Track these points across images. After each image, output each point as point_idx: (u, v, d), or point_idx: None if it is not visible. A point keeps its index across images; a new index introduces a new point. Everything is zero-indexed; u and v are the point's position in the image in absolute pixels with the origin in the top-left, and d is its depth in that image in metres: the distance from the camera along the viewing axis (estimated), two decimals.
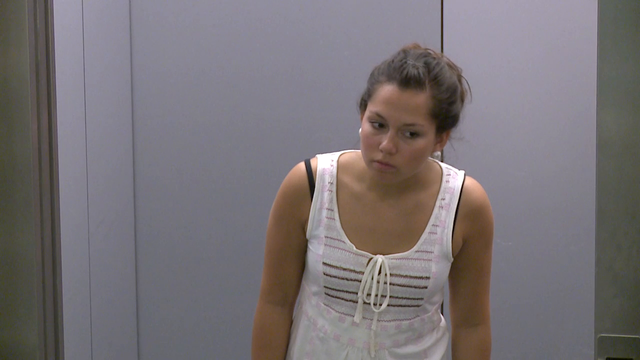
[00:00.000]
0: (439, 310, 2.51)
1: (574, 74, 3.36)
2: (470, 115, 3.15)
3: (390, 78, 2.27)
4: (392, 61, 2.32)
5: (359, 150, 2.39)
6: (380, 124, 2.27)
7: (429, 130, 2.25)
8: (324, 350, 2.44)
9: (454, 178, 2.40)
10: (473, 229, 2.38)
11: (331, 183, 2.39)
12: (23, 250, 1.64)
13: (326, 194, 2.38)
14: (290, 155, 2.54)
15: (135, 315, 3.91)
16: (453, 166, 2.48)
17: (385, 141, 2.26)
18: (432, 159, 2.46)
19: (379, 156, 2.27)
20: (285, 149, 2.78)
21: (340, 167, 2.42)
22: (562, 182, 3.42)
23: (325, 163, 2.43)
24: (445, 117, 2.27)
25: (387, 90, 2.27)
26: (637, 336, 1.62)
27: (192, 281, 3.90)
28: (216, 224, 3.83)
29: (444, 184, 2.38)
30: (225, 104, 3.77)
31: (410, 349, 2.46)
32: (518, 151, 3.52)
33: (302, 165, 2.44)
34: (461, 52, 3.47)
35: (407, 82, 2.26)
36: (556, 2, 3.39)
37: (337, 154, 2.47)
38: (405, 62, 2.28)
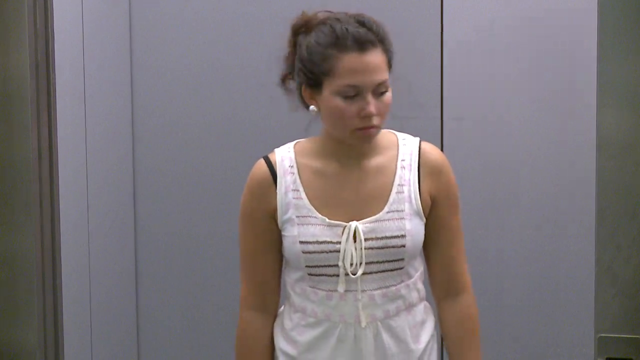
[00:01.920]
0: (422, 281, 2.52)
1: (574, 74, 3.36)
2: (470, 115, 3.17)
3: (343, 48, 2.31)
4: (330, 34, 2.37)
5: (311, 137, 2.44)
6: (353, 95, 2.32)
7: (388, 80, 2.31)
8: (317, 334, 2.45)
9: (410, 142, 2.44)
10: (439, 188, 2.42)
11: (291, 166, 2.42)
12: (23, 250, 1.65)
13: (289, 177, 2.42)
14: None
15: (135, 315, 3.91)
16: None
17: (367, 107, 2.28)
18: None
19: (362, 123, 2.31)
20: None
21: (297, 151, 2.46)
22: (562, 183, 3.42)
23: (283, 152, 2.47)
24: (390, 64, 2.35)
25: (348, 60, 2.30)
26: (637, 336, 1.62)
27: (192, 281, 3.90)
28: (216, 223, 3.83)
29: (401, 147, 2.42)
30: (224, 104, 3.76)
31: (404, 321, 2.47)
32: (518, 151, 3.52)
33: (261, 160, 2.47)
34: (461, 52, 3.48)
35: (363, 45, 2.30)
36: (556, 2, 3.40)
37: (292, 143, 2.49)
38: (347, 30, 2.33)
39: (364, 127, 2.30)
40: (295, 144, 2.46)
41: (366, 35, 2.31)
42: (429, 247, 2.50)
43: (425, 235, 2.45)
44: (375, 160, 2.43)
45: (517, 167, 3.48)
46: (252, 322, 2.49)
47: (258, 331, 2.50)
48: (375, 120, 2.31)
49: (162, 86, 3.75)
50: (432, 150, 2.44)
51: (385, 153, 2.44)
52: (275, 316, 2.52)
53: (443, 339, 2.53)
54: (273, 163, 2.40)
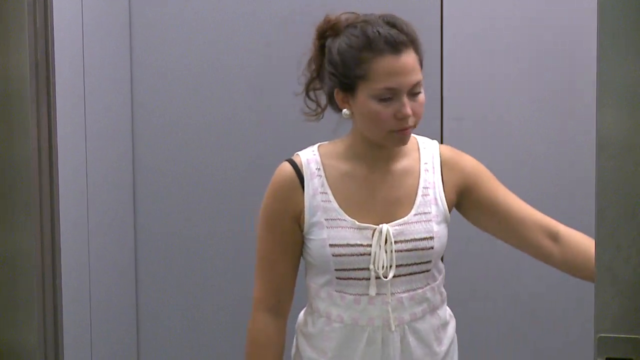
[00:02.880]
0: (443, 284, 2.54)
1: (574, 73, 3.37)
2: (470, 115, 3.18)
3: (378, 51, 2.35)
4: (363, 37, 2.39)
5: (333, 140, 2.49)
6: (389, 98, 2.34)
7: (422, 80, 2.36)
8: (343, 338, 2.45)
9: (429, 145, 2.51)
10: (465, 177, 2.49)
11: (318, 169, 2.44)
12: (23, 250, 1.64)
13: (316, 180, 2.43)
14: (292, 152, 2.56)
15: (135, 314, 3.91)
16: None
17: (403, 109, 2.33)
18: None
19: (398, 125, 2.35)
20: (286, 147, 2.78)
21: (322, 153, 2.48)
22: (562, 182, 3.42)
23: (307, 154, 2.49)
24: (422, 64, 2.38)
25: (384, 62, 2.35)
26: (637, 336, 1.61)
27: (192, 280, 3.90)
28: (217, 224, 3.84)
29: (422, 150, 2.48)
30: (224, 103, 3.77)
31: (428, 324, 2.47)
32: (518, 150, 3.53)
33: (285, 163, 2.49)
34: (461, 52, 3.48)
35: (397, 46, 2.34)
36: (557, 3, 3.40)
37: (315, 145, 2.52)
38: (379, 32, 2.36)
39: (400, 129, 2.32)
40: (319, 146, 2.48)
41: (398, 37, 2.32)
42: (499, 223, 2.54)
43: (486, 216, 2.50)
44: (402, 163, 2.46)
45: (517, 167, 3.49)
46: (266, 325, 2.48)
47: (272, 335, 2.50)
48: (411, 121, 2.34)
49: (162, 85, 3.76)
50: (446, 151, 2.49)
51: (409, 155, 2.47)
52: (287, 318, 2.52)
53: (577, 275, 2.50)
54: (299, 165, 2.41)
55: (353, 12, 2.48)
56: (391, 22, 2.39)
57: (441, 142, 3.04)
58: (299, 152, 2.50)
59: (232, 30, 3.75)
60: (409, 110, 2.34)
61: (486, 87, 3.52)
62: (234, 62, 3.76)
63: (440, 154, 2.50)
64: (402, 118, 2.34)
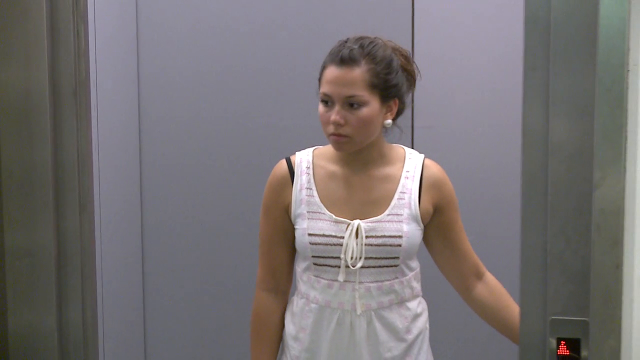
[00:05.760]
0: (419, 281, 2.63)
1: (519, 83, 3.43)
2: (439, 123, 3.24)
3: (330, 61, 2.48)
4: (333, 48, 2.53)
5: (329, 144, 2.57)
6: (329, 102, 2.46)
7: (371, 99, 2.43)
8: (318, 318, 2.56)
9: (415, 157, 2.60)
10: (442, 198, 2.56)
11: (308, 167, 2.56)
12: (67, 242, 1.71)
13: (304, 177, 2.55)
14: (292, 151, 2.67)
15: (142, 309, 3.94)
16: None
17: (331, 115, 2.44)
18: (401, 145, 2.66)
19: (331, 130, 2.46)
20: (288, 146, 2.86)
21: (316, 154, 2.61)
22: (519, 184, 3.48)
23: (303, 154, 2.62)
24: (385, 87, 2.45)
25: (328, 71, 2.47)
26: (585, 318, 1.67)
27: (199, 275, 3.93)
28: (223, 220, 3.87)
29: (407, 161, 2.57)
30: (229, 102, 3.81)
31: (395, 313, 2.56)
32: (482, 143, 3.59)
33: (283, 160, 2.63)
34: (430, 67, 3.54)
35: (343, 60, 2.45)
36: (512, 19, 3.46)
37: (313, 147, 2.65)
38: (343, 46, 2.48)
39: (332, 134, 2.45)
40: (315, 149, 2.61)
41: (349, 53, 2.42)
42: (445, 248, 2.66)
43: (438, 238, 2.59)
44: (383, 170, 2.55)
45: (480, 172, 3.56)
46: (265, 301, 2.62)
47: (270, 310, 2.63)
48: (344, 131, 2.45)
49: (168, 85, 3.79)
50: (433, 166, 2.57)
51: (393, 164, 2.56)
52: (286, 297, 2.65)
53: (482, 315, 2.66)
54: (293, 163, 2.52)
55: (378, 37, 2.59)
56: (362, 43, 2.51)
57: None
58: (298, 152, 2.62)
59: (234, 34, 3.78)
60: (334, 117, 2.44)
61: (454, 97, 3.59)
62: (234, 64, 3.80)
63: (424, 166, 2.60)
64: (331, 124, 2.44)
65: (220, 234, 3.87)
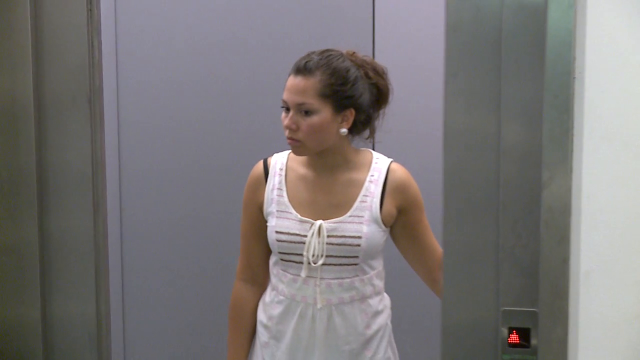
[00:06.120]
0: (382, 279, 2.70)
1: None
2: (397, 127, 3.31)
3: (291, 70, 2.60)
4: (299, 59, 2.65)
5: None
6: (286, 108, 2.58)
7: (322, 108, 2.52)
8: (284, 309, 2.65)
9: (382, 161, 2.66)
10: (407, 200, 2.63)
11: (281, 169, 2.65)
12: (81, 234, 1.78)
13: (277, 178, 2.64)
14: (271, 152, 2.76)
15: (121, 307, 3.96)
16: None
17: (286, 120, 2.58)
18: (374, 150, 2.75)
19: (286, 133, 2.59)
20: (267, 146, 2.93)
21: (290, 157, 2.72)
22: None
23: (279, 156, 2.73)
24: (339, 98, 2.54)
25: (288, 80, 2.60)
26: (534, 309, 1.73)
27: (178, 271, 3.95)
28: (201, 218, 3.91)
29: (373, 165, 2.65)
30: (207, 104, 3.84)
31: (356, 309, 2.65)
32: (439, 145, 3.66)
33: (260, 161, 2.74)
34: (390, 55, 3.61)
35: (299, 70, 2.56)
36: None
37: (289, 150, 2.74)
38: (306, 57, 2.61)
39: (287, 138, 2.56)
40: (291, 152, 2.69)
41: (307, 64, 2.52)
42: (412, 245, 2.74)
43: (404, 237, 2.67)
44: (348, 175, 2.63)
45: (432, 173, 3.63)
46: (242, 291, 2.71)
47: (246, 299, 2.71)
48: (296, 135, 2.55)
49: (147, 86, 3.80)
50: (398, 170, 2.64)
51: (359, 169, 2.64)
52: (263, 288, 2.74)
53: None
54: (268, 165, 2.61)
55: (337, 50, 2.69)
56: (319, 54, 2.61)
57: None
58: (275, 154, 2.74)
59: (207, 41, 3.83)
60: (287, 122, 2.58)
61: (411, 101, 3.66)
62: (208, 69, 3.84)
63: (389, 170, 2.68)
64: (285, 127, 2.59)
65: (200, 231, 3.91)
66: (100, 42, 1.77)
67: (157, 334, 4.01)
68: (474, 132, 1.72)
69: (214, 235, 3.89)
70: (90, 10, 1.72)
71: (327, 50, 2.64)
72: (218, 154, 3.86)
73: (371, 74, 2.63)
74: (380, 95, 2.66)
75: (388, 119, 2.84)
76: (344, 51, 2.66)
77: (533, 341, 1.73)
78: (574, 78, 1.66)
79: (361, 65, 2.62)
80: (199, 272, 3.93)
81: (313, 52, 2.64)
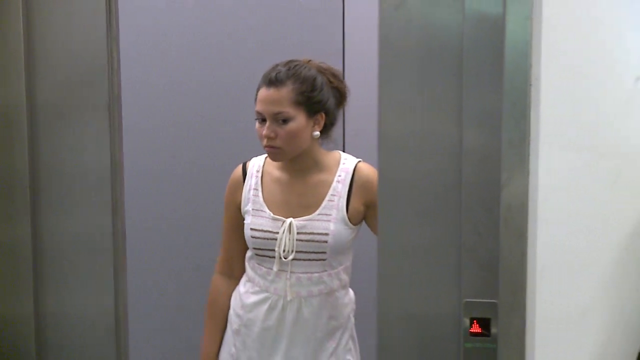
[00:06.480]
0: (349, 274, 2.80)
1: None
2: (365, 130, 3.38)
3: (262, 83, 2.70)
4: (267, 71, 2.74)
5: None
6: (262, 119, 2.67)
7: (297, 115, 2.63)
8: (257, 300, 2.75)
9: (349, 162, 2.76)
10: (372, 195, 2.73)
11: (258, 171, 2.75)
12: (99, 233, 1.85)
13: (254, 179, 2.74)
14: (253, 154, 2.85)
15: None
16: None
17: (263, 130, 2.66)
18: (344, 152, 2.85)
19: (265, 142, 2.68)
20: (248, 149, 3.01)
21: (267, 162, 2.82)
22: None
23: (256, 160, 2.84)
24: (310, 103, 2.66)
25: (260, 92, 2.68)
26: (494, 301, 1.80)
27: (177, 272, 3.96)
28: (201, 218, 3.93)
29: (341, 166, 2.75)
30: (200, 104, 3.88)
31: (324, 301, 2.74)
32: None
33: (240, 164, 2.86)
34: (358, 61, 3.69)
35: (271, 82, 2.66)
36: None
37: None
38: (273, 69, 2.70)
39: (265, 146, 2.66)
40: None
41: (277, 76, 2.63)
42: None
43: (376, 225, 2.74)
44: (318, 176, 2.74)
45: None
46: (220, 283, 2.81)
47: (222, 291, 2.82)
48: (275, 143, 2.66)
49: (147, 86, 3.83)
50: (364, 168, 2.75)
51: (328, 171, 2.74)
52: (238, 279, 2.84)
53: None
54: (247, 167, 2.70)
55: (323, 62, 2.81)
56: (289, 66, 2.71)
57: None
58: (254, 157, 2.86)
59: (200, 46, 3.86)
60: (265, 132, 2.67)
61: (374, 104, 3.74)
62: (219, 63, 3.88)
63: (356, 169, 2.77)
64: (264, 137, 2.67)
65: (200, 231, 3.95)
66: (119, 52, 1.84)
67: (157, 333, 4.04)
68: (437, 137, 1.79)
69: (214, 235, 3.93)
70: (110, 24, 1.80)
71: (292, 61, 2.74)
72: (218, 154, 3.89)
73: (332, 79, 2.76)
74: (341, 97, 2.78)
75: (358, 121, 2.94)
76: (302, 59, 2.77)
77: (493, 330, 1.79)
78: (530, 85, 1.72)
79: (322, 71, 2.74)
80: (199, 272, 3.96)
81: (278, 64, 2.74)
